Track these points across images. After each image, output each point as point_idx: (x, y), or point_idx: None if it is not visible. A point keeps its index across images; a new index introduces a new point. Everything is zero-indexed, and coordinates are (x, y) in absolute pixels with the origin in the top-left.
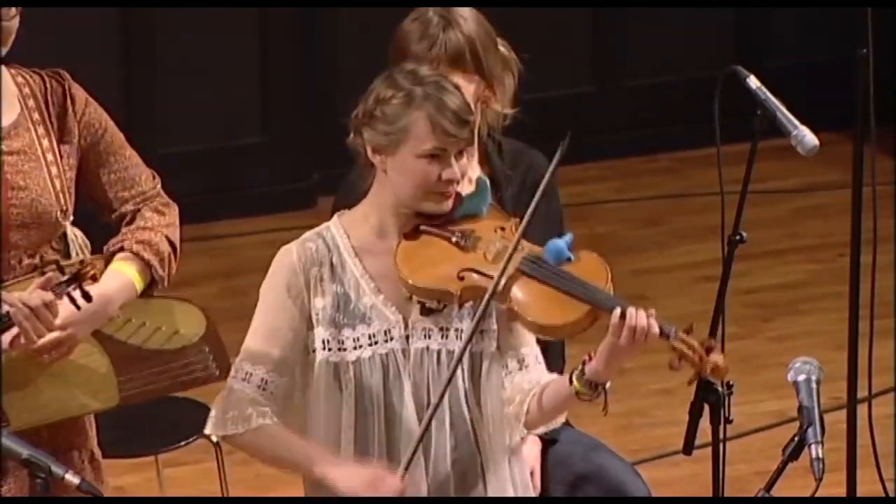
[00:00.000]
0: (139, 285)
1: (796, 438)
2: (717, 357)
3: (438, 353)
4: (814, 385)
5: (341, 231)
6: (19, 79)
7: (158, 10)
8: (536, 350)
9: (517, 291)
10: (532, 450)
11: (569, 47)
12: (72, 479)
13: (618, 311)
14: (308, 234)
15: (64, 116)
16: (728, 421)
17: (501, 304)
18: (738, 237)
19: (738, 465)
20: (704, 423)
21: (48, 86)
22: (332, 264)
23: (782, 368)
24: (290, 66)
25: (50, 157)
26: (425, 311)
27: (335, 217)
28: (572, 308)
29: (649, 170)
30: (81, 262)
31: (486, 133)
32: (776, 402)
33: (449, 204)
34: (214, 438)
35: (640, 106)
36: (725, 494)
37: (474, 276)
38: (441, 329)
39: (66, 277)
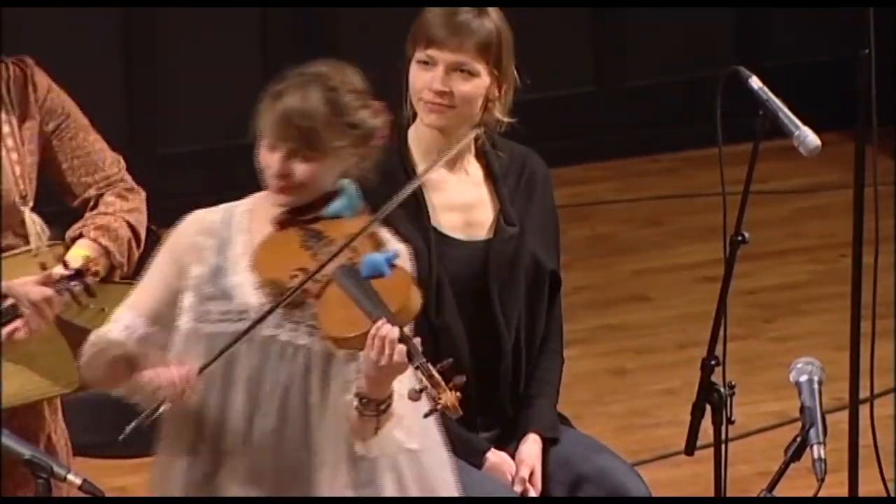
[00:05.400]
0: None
1: (798, 439)
2: (452, 397)
3: (284, 344)
4: (815, 385)
5: (249, 208)
6: None
7: (159, 9)
8: None
9: (323, 298)
10: (532, 449)
11: (570, 47)
12: (74, 479)
13: (376, 324)
14: (223, 204)
15: (25, 102)
16: (730, 421)
17: (315, 308)
18: (739, 237)
19: (739, 465)
20: (706, 423)
21: (10, 72)
22: (222, 238)
23: (784, 369)
24: (291, 66)
25: (10, 142)
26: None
27: (257, 193)
28: (358, 322)
29: (651, 170)
30: (86, 257)
31: (483, 132)
32: (778, 403)
33: (283, 198)
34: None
35: (642, 106)
36: (727, 495)
37: (303, 274)
38: (294, 322)
39: (69, 272)
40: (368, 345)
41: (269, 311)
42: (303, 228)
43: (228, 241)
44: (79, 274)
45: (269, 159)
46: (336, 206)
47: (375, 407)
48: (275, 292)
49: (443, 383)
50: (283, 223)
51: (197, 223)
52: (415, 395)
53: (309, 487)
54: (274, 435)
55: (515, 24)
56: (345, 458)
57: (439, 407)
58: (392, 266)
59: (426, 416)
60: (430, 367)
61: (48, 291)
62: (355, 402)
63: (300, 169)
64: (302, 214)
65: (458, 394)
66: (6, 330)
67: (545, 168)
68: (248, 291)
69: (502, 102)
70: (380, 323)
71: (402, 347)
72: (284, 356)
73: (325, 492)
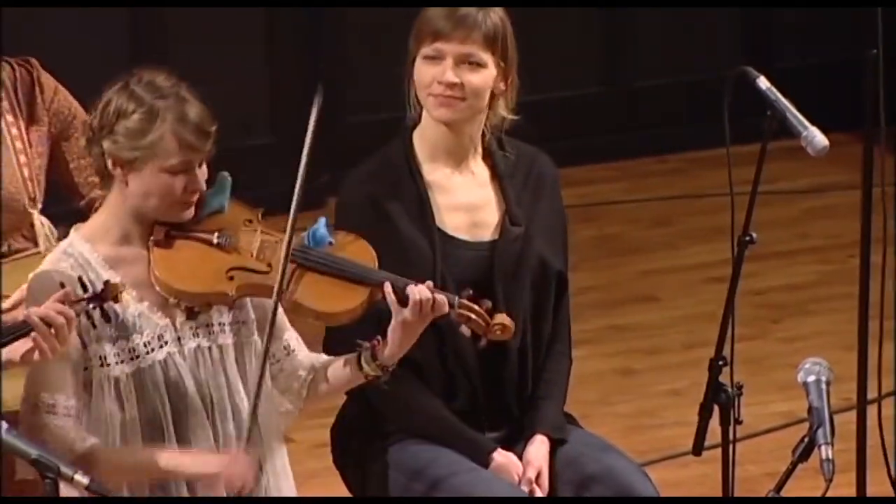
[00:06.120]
0: None
1: (806, 439)
2: (501, 317)
3: (210, 349)
4: (823, 386)
5: (87, 246)
6: None
7: (167, 10)
8: (295, 332)
9: (294, 283)
10: (540, 450)
11: (578, 48)
12: (81, 479)
13: (406, 289)
14: (54, 254)
15: (33, 104)
16: (738, 422)
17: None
18: (747, 238)
19: (747, 465)
20: (714, 423)
21: (17, 74)
22: (89, 280)
23: (792, 369)
24: (298, 67)
25: (19, 145)
26: (192, 315)
27: (73, 232)
28: (352, 293)
29: (659, 170)
30: (106, 281)
31: (490, 132)
32: (786, 403)
33: (192, 212)
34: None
35: (649, 107)
36: (735, 495)
37: (245, 273)
38: (207, 326)
39: (87, 294)
40: (412, 308)
41: (276, 305)
42: (196, 234)
43: (98, 281)
44: (98, 297)
45: (177, 181)
46: (218, 199)
47: (389, 368)
48: (206, 303)
49: (484, 312)
50: (168, 237)
51: (58, 277)
52: (466, 331)
53: (261, 476)
54: (234, 432)
55: (524, 25)
56: (279, 441)
57: (498, 332)
58: (330, 232)
59: (483, 346)
60: (469, 302)
61: (70, 312)
62: (368, 371)
63: (202, 174)
64: (183, 222)
65: (503, 314)
66: (18, 353)
67: (554, 168)
68: (151, 318)
69: (507, 98)
70: (406, 290)
71: (441, 297)
72: (213, 359)
73: (270, 479)
